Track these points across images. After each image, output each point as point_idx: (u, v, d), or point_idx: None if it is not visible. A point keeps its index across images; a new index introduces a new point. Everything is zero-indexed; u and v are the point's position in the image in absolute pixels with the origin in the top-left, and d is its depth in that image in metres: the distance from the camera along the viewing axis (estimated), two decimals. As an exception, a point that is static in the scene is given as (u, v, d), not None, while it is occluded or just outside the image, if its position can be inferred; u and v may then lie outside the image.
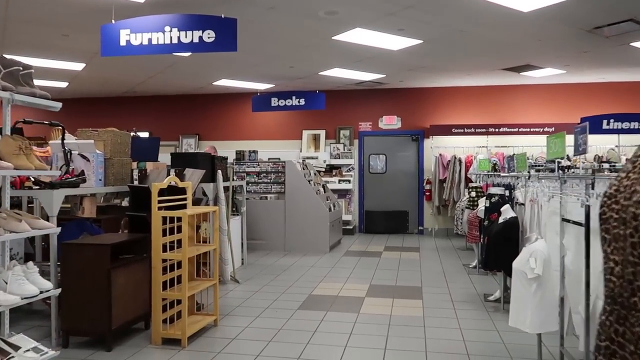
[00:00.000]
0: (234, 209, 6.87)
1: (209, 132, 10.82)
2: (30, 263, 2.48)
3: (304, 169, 8.44)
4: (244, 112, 10.59)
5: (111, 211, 5.21)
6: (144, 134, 10.86)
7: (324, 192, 8.69)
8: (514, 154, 5.60)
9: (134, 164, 5.67)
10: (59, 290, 2.64)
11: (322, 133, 10.32)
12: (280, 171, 8.13)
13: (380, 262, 6.97)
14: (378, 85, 9.71)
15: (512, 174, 5.88)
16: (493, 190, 4.90)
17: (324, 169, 10.01)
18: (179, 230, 3.78)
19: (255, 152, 8.50)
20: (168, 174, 4.38)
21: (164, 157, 6.09)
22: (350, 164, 10.07)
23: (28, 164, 2.27)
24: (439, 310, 4.59)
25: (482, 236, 4.93)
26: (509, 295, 4.81)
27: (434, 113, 9.94)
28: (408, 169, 10.13)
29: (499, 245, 4.35)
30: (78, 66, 8.00)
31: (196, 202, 5.84)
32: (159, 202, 3.77)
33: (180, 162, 5.45)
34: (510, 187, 5.69)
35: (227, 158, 6.15)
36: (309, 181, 8.07)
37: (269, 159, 8.49)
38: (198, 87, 9.98)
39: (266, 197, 8.03)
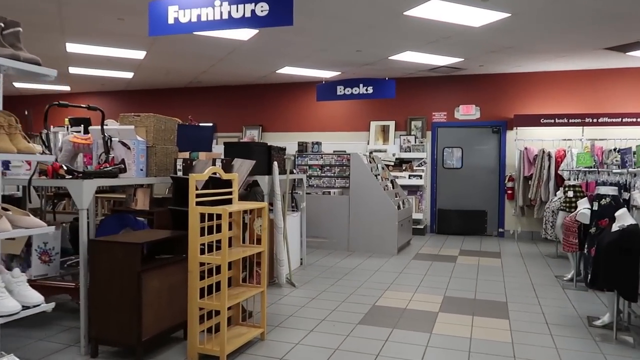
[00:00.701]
0: (293, 204, 6.33)
1: (273, 123, 10.40)
2: (17, 271, 2.03)
3: (370, 162, 7.75)
4: (308, 102, 10.06)
5: (169, 204, 4.82)
6: (207, 125, 10.65)
7: (393, 188, 7.95)
8: (630, 147, 4.59)
9: (185, 154, 5.28)
10: (52, 305, 2.18)
11: (392, 124, 9.55)
12: (345, 164, 7.50)
13: (456, 268, 6.15)
14: (454, 71, 8.79)
15: (624, 170, 4.87)
16: (603, 190, 3.97)
17: (393, 163, 9.25)
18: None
19: (318, 143, 7.92)
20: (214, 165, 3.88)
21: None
22: (422, 158, 9.23)
23: (9, 146, 1.81)
24: (531, 335, 3.75)
25: (585, 246, 4.01)
26: (622, 321, 3.90)
27: (518, 101, 8.85)
28: (487, 164, 9.12)
29: (613, 259, 3.46)
30: (139, 54, 7.81)
31: (251, 196, 5.36)
32: (201, 195, 3.26)
33: (234, 152, 4.98)
34: (623, 187, 4.69)
35: (285, 149, 5.60)
36: (375, 176, 7.37)
37: (334, 151, 7.87)
38: (261, 76, 9.56)
39: (329, 192, 7.42)
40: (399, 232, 7.14)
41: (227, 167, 4.07)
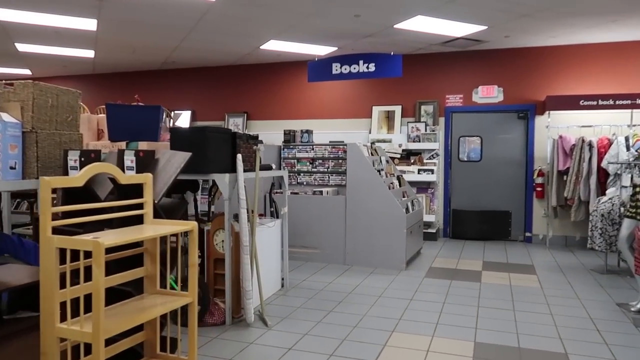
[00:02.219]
0: (272, 208, 4.93)
1: (259, 109, 8.97)
2: None
3: (372, 154, 6.34)
4: (299, 85, 8.63)
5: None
6: (185, 113, 9.26)
7: (399, 185, 6.54)
8: None
9: (122, 144, 3.89)
10: None
11: (398, 110, 8.12)
12: (341, 157, 6.10)
13: (483, 292, 4.75)
14: (473, 44, 7.34)
15: None
16: None
17: (399, 156, 7.83)
18: (134, 263, 1.87)
19: (309, 132, 6.50)
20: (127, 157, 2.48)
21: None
22: (434, 149, 7.80)
23: None
24: None
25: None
26: None
27: (551, 81, 7.39)
28: (512, 156, 7.68)
29: None
30: (90, 24, 6.39)
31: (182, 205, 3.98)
32: (70, 214, 1.87)
33: (182, 141, 3.58)
34: None
35: (257, 137, 4.19)
36: (378, 171, 5.96)
37: (330, 142, 6.46)
38: (244, 54, 8.13)
39: (321, 192, 6.01)
40: (408, 241, 5.73)
41: (145, 162, 2.66)
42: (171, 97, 9.43)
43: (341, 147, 6.13)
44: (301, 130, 6.50)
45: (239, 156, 3.64)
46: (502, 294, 4.64)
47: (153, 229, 2.07)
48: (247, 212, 3.63)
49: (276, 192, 5.42)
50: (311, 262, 5.94)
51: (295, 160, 6.37)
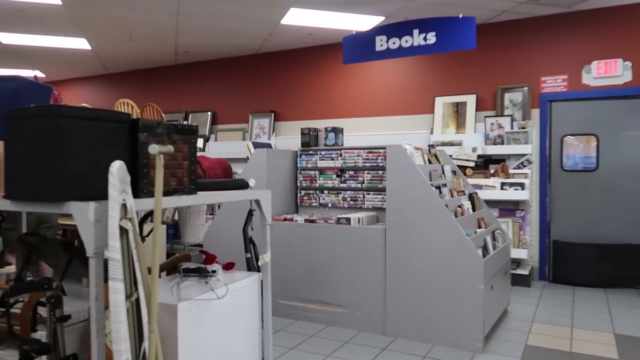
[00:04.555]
0: (248, 255, 2.92)
1: (289, 108, 7.09)
2: None
3: (430, 162, 4.22)
4: (339, 76, 6.65)
5: None
6: (203, 115, 7.61)
7: (473, 208, 4.33)
8: None
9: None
10: None
11: (471, 100, 5.89)
12: (382, 166, 4.04)
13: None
14: (580, 1, 5.01)
15: None
16: None
17: (473, 164, 5.60)
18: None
19: (336, 131, 4.48)
20: None
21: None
22: (525, 155, 5.48)
23: None
24: None
25: None
26: None
27: None
28: (645, 163, 5.20)
29: None
30: (45, -7, 4.85)
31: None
32: None
33: (16, 133, 1.73)
34: None
35: (193, 128, 2.22)
36: (438, 188, 3.83)
37: (368, 151, 4.35)
38: (264, 35, 6.29)
39: (348, 220, 3.94)
40: (488, 301, 3.52)
41: None
42: (189, 96, 7.82)
43: (381, 152, 4.06)
44: (325, 129, 4.50)
45: (117, 166, 1.69)
46: None
47: None
48: (131, 296, 1.66)
49: (247, 227, 3.43)
50: (334, 327, 3.89)
51: (317, 172, 4.38)
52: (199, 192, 2.14)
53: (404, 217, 3.68)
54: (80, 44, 6.74)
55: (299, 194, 4.48)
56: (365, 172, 4.16)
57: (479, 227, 4.16)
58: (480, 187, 5.26)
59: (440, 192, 3.84)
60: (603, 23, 5.24)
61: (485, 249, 3.80)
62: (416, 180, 3.65)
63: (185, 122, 6.65)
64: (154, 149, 1.73)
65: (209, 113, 7.62)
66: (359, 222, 3.90)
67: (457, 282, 3.44)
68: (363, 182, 4.16)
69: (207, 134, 7.48)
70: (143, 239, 2.24)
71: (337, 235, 3.92)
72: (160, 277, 2.20)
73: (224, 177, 2.84)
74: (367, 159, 4.16)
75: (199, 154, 2.71)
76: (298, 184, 4.48)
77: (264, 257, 2.67)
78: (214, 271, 2.22)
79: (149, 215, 2.47)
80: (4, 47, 6.83)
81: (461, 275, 3.43)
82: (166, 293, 2.00)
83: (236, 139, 7.25)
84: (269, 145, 4.46)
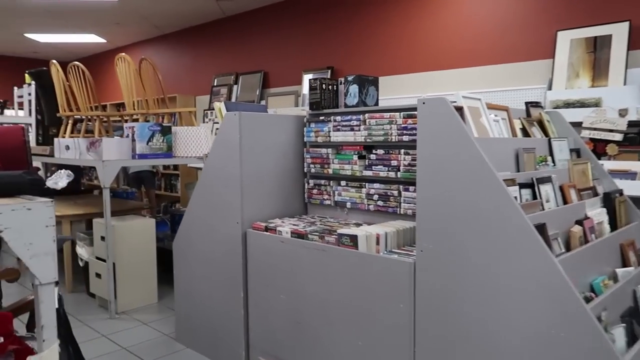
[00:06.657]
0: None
1: (351, 61, 5.34)
2: None
3: (523, 133, 2.28)
4: (410, 17, 4.73)
5: None
6: (253, 76, 6.23)
7: (611, 223, 2.28)
8: None
9: None
10: None
11: (618, 32, 3.61)
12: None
13: None
14: None
15: None
16: None
17: (619, 136, 3.39)
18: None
19: (363, 81, 2.71)
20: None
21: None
22: None
23: None
24: None
25: None
26: None
27: None
28: None
29: None
30: None
31: None
32: None
33: None
34: None
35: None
36: (532, 186, 1.91)
37: (407, 115, 2.52)
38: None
39: (353, 240, 2.20)
40: None
41: None
42: (238, 54, 6.47)
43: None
44: (345, 79, 2.75)
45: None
46: None
47: None
48: None
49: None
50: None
51: (330, 151, 2.69)
52: None
53: (451, 241, 1.86)
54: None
55: (306, 185, 2.85)
56: (402, 151, 2.38)
57: (625, 262, 2.15)
58: (632, 174, 3.11)
59: (539, 195, 1.93)
60: None
61: (637, 314, 1.84)
62: (474, 171, 1.79)
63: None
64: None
65: (260, 74, 6.18)
66: (372, 243, 2.16)
67: (545, 352, 1.58)
68: (398, 169, 2.40)
69: (256, 100, 6.08)
70: None
71: (336, 264, 2.23)
72: None
73: None
74: (406, 128, 2.37)
75: None
76: (305, 169, 2.84)
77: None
78: None
79: None
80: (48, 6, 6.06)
81: (556, 342, 1.56)
82: None
83: (287, 105, 5.74)
84: (263, 109, 2.86)
